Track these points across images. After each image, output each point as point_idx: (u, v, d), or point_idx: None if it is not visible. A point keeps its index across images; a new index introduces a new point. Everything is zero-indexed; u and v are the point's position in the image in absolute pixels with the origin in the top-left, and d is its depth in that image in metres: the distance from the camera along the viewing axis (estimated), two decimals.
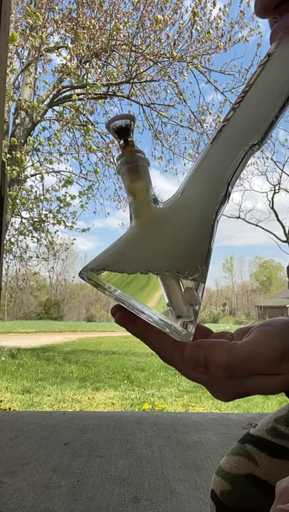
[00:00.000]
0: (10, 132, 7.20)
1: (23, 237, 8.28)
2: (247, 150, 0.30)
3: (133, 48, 7.08)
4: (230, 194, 0.31)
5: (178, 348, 0.29)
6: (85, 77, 7.10)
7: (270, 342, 0.27)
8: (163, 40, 7.15)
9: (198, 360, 0.27)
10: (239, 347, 0.27)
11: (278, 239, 21.36)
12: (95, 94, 7.33)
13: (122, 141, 0.33)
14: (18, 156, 6.55)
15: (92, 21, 6.74)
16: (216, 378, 0.28)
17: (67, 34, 7.20)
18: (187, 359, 0.28)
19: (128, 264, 0.28)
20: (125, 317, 0.29)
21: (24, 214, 8.07)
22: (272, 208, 20.51)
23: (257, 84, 0.31)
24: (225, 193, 0.30)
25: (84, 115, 7.75)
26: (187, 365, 0.28)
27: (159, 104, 8.14)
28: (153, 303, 0.27)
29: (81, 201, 8.16)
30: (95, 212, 9.01)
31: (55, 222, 7.99)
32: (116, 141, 0.34)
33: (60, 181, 7.80)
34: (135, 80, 7.42)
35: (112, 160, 8.40)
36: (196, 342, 0.28)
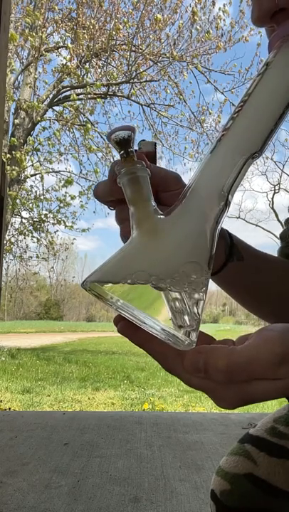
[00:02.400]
0: (10, 132, 7.21)
1: (23, 237, 8.29)
2: (247, 159, 0.31)
3: (133, 48, 7.08)
4: (230, 202, 0.31)
5: (179, 356, 0.29)
6: (85, 77, 7.10)
7: (269, 346, 0.26)
8: (163, 40, 7.15)
9: (198, 366, 0.27)
10: (239, 351, 0.27)
11: (278, 239, 21.30)
12: (95, 94, 7.33)
13: (122, 152, 0.34)
14: (18, 156, 6.55)
15: (92, 21, 6.74)
16: (217, 384, 0.28)
17: (67, 34, 7.20)
18: (187, 365, 0.28)
19: (130, 276, 0.28)
20: (127, 327, 0.30)
21: (24, 214, 8.08)
22: (272, 208, 20.51)
23: (256, 94, 0.32)
24: (225, 201, 0.31)
25: (84, 115, 7.76)
26: (187, 372, 0.28)
27: (159, 104, 8.14)
28: (155, 313, 0.28)
29: (81, 201, 8.16)
30: (94, 212, 9.01)
31: (55, 222, 7.99)
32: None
33: (60, 181, 7.80)
34: (135, 80, 7.42)
35: (112, 160, 8.40)
36: (196, 348, 0.28)
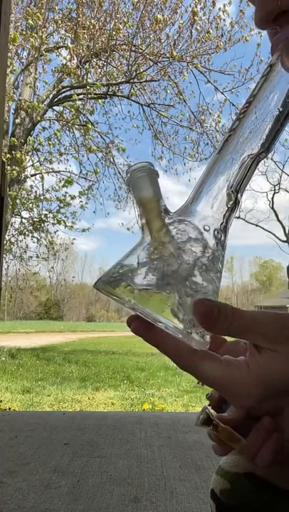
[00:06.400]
0: (10, 132, 7.20)
1: (23, 237, 8.28)
2: (254, 158, 0.31)
3: (133, 48, 7.08)
4: (239, 202, 0.32)
5: (195, 353, 0.29)
6: (85, 77, 7.10)
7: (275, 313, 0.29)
8: (163, 40, 7.14)
9: (226, 311, 0.28)
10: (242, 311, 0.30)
11: (278, 239, 21.38)
12: (95, 94, 7.33)
13: (210, 427, 0.37)
14: (18, 156, 6.55)
15: (92, 21, 6.74)
16: (239, 370, 0.29)
17: (67, 34, 7.20)
18: (213, 313, 0.28)
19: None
20: (141, 326, 0.30)
21: (24, 214, 8.07)
22: (273, 208, 20.52)
23: (260, 95, 0.32)
24: (234, 201, 0.31)
25: (84, 115, 7.75)
26: (209, 320, 0.28)
27: (159, 104, 8.13)
28: (169, 314, 0.28)
29: (81, 201, 8.16)
30: (94, 212, 8.98)
31: (55, 222, 7.99)
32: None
33: (60, 181, 7.80)
34: (135, 80, 7.41)
35: (112, 160, 8.40)
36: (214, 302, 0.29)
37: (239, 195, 0.31)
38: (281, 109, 0.31)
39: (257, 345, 0.30)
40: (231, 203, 0.31)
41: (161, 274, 0.28)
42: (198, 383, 0.33)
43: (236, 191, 0.31)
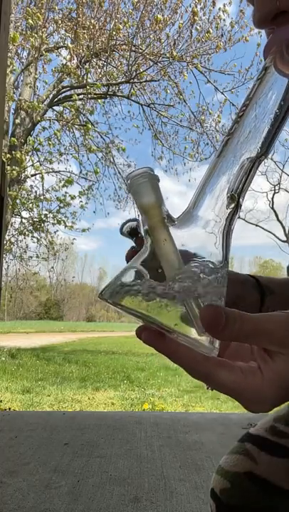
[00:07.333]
0: (10, 132, 7.20)
1: (23, 237, 8.28)
2: (253, 161, 0.31)
3: (133, 48, 7.08)
4: (241, 205, 0.32)
5: (208, 362, 0.29)
6: (85, 77, 7.10)
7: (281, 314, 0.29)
8: (163, 40, 7.15)
9: (234, 316, 0.28)
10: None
11: (278, 239, 21.38)
12: (95, 94, 7.33)
13: (135, 238, 0.39)
14: (18, 156, 6.55)
15: (92, 21, 6.74)
16: (251, 376, 0.28)
17: (67, 34, 7.20)
18: (219, 319, 0.27)
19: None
20: (152, 336, 0.30)
21: (24, 214, 8.07)
22: (273, 208, 20.52)
23: (256, 98, 0.32)
24: (236, 204, 0.32)
25: (84, 115, 7.76)
26: (213, 326, 0.28)
27: (159, 104, 8.13)
28: (178, 323, 0.28)
29: (81, 201, 8.16)
30: (94, 212, 8.98)
31: (55, 222, 7.99)
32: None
33: (60, 181, 7.80)
34: (135, 80, 7.42)
35: (112, 160, 8.40)
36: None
37: (241, 199, 0.32)
38: (277, 112, 0.31)
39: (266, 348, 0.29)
40: (233, 206, 0.31)
41: (168, 284, 0.28)
42: (207, 388, 0.32)
43: (237, 194, 0.31)
